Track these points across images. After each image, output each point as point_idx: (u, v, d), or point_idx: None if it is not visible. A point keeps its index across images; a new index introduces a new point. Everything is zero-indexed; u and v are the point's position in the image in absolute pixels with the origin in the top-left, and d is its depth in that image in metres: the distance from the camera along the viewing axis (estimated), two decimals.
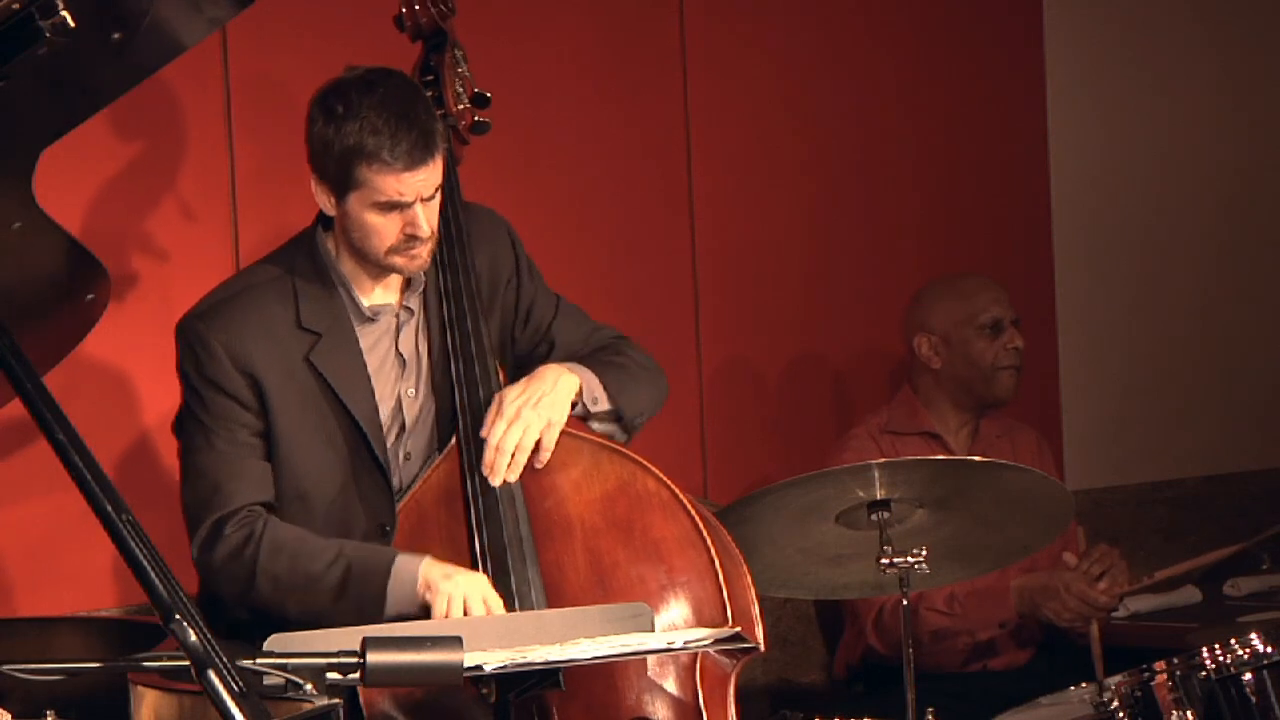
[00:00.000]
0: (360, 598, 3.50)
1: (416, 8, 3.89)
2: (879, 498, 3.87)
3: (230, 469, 3.57)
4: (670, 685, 3.55)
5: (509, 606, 3.52)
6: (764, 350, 5.24)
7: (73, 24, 2.27)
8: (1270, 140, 6.10)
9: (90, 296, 2.83)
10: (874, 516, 3.87)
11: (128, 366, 4.25)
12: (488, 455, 3.62)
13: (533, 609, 3.53)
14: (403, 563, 3.51)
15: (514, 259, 3.83)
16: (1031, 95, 5.72)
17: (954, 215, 5.56)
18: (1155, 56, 5.94)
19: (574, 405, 3.68)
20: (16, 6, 2.26)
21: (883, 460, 3.95)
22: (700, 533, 3.61)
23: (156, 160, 4.27)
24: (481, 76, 3.96)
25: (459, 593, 3.45)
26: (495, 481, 3.61)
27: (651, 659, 3.53)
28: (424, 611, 3.48)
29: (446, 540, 3.61)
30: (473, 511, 3.61)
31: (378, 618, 3.46)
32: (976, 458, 4.54)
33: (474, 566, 3.57)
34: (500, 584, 3.53)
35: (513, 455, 3.61)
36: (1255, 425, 6.03)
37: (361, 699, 3.44)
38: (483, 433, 3.64)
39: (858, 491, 3.87)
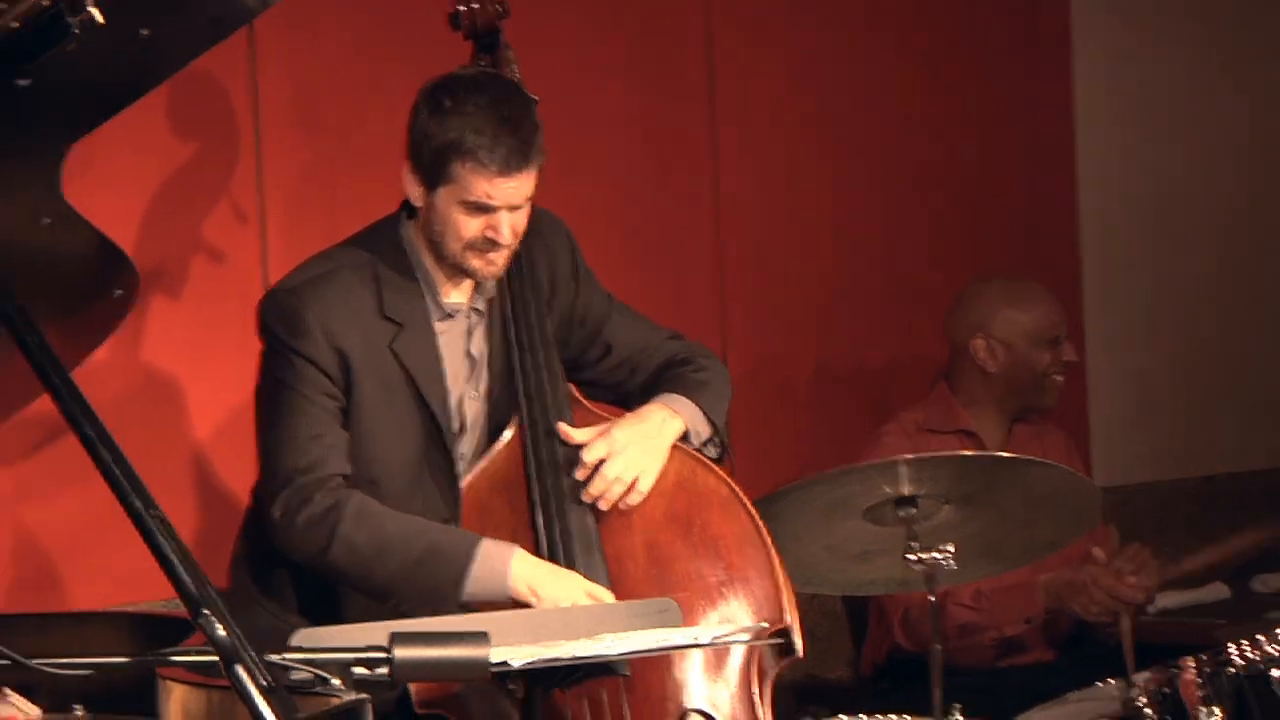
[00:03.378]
0: (437, 575, 3.49)
1: (475, 6, 3.89)
2: (905, 494, 3.86)
3: (325, 436, 3.56)
4: (727, 680, 3.57)
5: None
6: (790, 351, 5.23)
7: (101, 20, 2.28)
8: None
9: (118, 292, 2.84)
10: (901, 512, 3.86)
11: (156, 362, 4.26)
12: (594, 483, 3.62)
13: None
14: (490, 547, 3.51)
15: (572, 262, 3.84)
16: (1059, 92, 5.71)
17: (980, 215, 5.55)
18: (1182, 58, 5.93)
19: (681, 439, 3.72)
20: (46, 3, 2.27)
21: (910, 456, 3.94)
22: (760, 532, 3.64)
23: (184, 157, 4.28)
24: None
25: (566, 602, 3.47)
26: (588, 500, 3.62)
27: (709, 653, 3.55)
28: (510, 605, 3.47)
29: (501, 526, 3.61)
30: (539, 502, 3.62)
31: (450, 599, 3.46)
32: (1003, 453, 4.53)
33: (537, 554, 3.57)
34: None
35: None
36: None
37: (411, 686, 3.44)
38: (583, 454, 3.63)
39: (884, 487, 3.85)
